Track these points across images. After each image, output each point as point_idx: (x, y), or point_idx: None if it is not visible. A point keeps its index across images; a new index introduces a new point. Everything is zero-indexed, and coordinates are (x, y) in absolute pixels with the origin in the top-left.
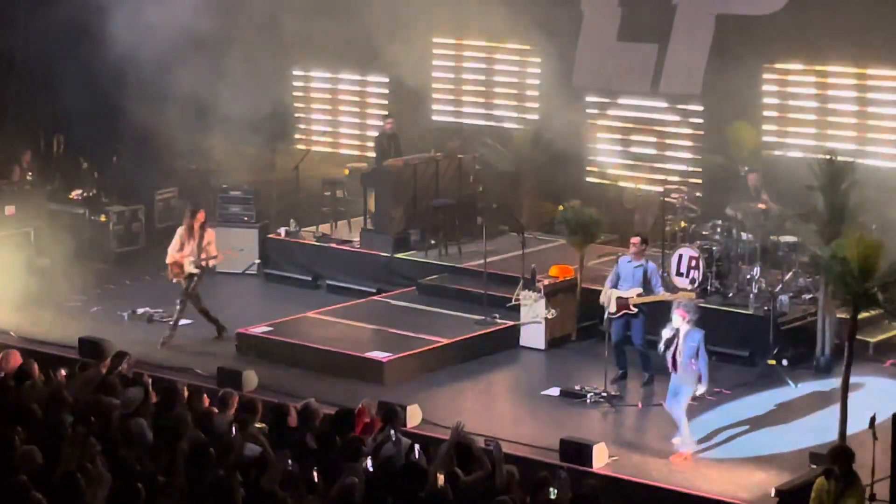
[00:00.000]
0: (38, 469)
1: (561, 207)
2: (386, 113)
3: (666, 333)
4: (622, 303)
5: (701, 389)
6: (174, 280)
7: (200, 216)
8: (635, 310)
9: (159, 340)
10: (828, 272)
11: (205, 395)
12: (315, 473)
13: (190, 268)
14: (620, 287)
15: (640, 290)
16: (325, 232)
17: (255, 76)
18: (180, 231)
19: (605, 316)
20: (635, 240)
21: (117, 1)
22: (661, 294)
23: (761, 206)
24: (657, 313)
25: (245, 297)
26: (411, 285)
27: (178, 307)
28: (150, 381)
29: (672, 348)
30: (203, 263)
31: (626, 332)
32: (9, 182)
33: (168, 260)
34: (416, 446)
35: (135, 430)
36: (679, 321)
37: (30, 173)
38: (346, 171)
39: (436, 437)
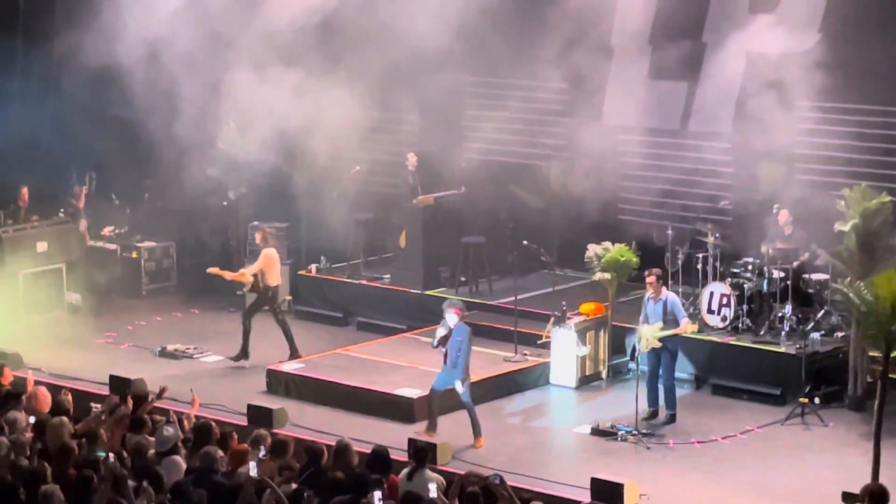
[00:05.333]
0: None
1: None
2: (412, 151)
3: (440, 332)
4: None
5: (460, 387)
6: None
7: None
8: (660, 344)
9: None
10: (859, 310)
11: (235, 434)
12: None
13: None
14: (650, 324)
15: (662, 324)
16: (356, 269)
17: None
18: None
19: (636, 353)
20: (651, 278)
21: (149, 51)
22: (679, 327)
23: (792, 243)
24: (685, 350)
25: (275, 334)
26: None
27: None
28: (181, 418)
29: (446, 344)
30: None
31: (658, 367)
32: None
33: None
34: (433, 484)
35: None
36: (454, 319)
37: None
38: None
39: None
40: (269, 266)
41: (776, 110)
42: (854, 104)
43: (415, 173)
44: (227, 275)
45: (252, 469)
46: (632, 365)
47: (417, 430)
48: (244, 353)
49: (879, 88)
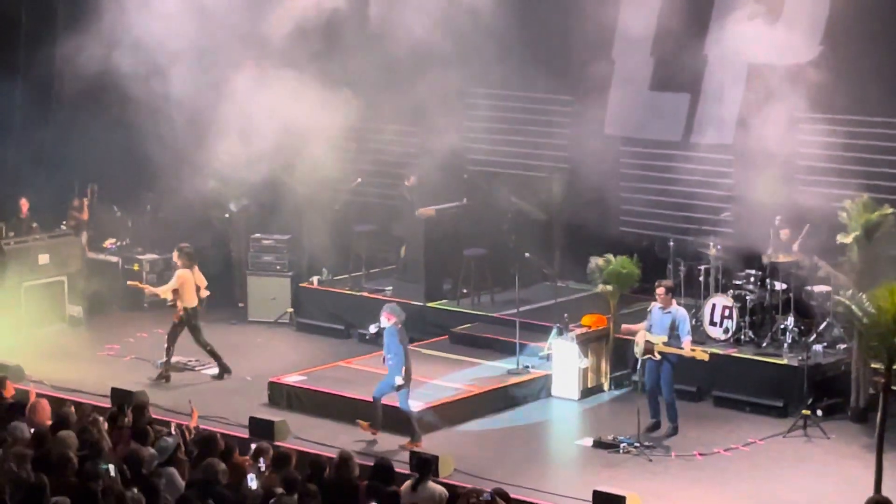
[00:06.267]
0: None
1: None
2: (409, 170)
3: (372, 329)
4: (648, 347)
5: (398, 381)
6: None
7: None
8: (658, 356)
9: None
10: (861, 322)
11: (237, 448)
12: None
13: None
14: (653, 333)
15: (666, 338)
16: (357, 281)
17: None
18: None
19: (638, 364)
20: (660, 290)
21: (150, 63)
22: (682, 348)
23: (794, 255)
24: (686, 363)
25: (277, 347)
26: (443, 334)
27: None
28: (182, 430)
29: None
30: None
31: (658, 379)
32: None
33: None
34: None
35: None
36: (385, 321)
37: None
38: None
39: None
40: (183, 287)
41: (778, 121)
42: (855, 115)
43: (411, 190)
44: (148, 289)
45: (251, 481)
46: (635, 377)
47: (360, 422)
48: (224, 369)
49: (881, 99)
